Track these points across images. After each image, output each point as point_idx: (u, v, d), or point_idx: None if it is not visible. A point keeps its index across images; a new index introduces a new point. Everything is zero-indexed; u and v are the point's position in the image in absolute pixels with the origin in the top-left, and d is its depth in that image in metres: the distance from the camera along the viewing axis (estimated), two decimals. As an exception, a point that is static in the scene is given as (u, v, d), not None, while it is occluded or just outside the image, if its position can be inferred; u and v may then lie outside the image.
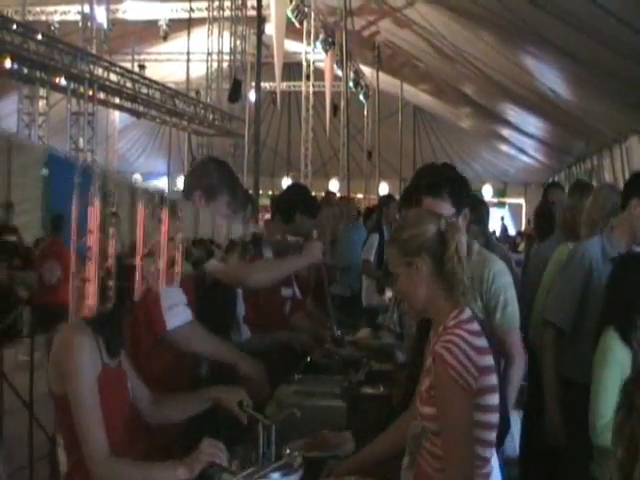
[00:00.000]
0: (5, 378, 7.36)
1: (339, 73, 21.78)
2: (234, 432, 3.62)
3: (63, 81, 17.74)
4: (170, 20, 22.72)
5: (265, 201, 16.70)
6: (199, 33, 22.61)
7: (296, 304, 6.00)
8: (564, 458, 4.78)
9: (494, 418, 2.95)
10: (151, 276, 4.76)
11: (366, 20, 20.23)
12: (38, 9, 22.84)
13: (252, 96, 19.11)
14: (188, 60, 22.93)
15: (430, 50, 18.90)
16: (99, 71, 17.43)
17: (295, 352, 5.54)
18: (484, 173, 33.69)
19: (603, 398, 3.88)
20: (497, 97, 21.33)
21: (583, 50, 11.73)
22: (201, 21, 22.51)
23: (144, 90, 19.51)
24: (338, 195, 15.45)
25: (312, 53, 22.86)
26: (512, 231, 30.51)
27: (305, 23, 19.99)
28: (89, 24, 20.20)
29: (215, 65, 23.12)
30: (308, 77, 24.37)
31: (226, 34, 21.96)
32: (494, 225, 27.64)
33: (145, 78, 20.57)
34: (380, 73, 24.12)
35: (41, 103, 22.24)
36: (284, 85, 25.78)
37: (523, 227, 30.43)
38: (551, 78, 15.54)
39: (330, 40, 21.39)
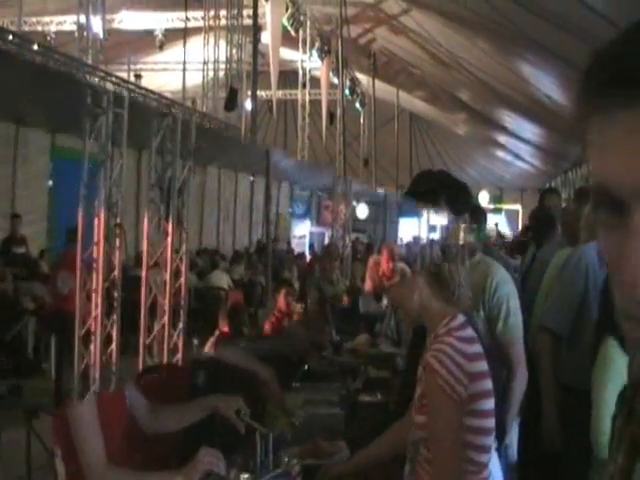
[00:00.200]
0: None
1: (335, 81, 21.90)
2: (232, 440, 3.63)
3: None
4: (166, 30, 22.83)
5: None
6: (195, 42, 22.72)
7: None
8: (563, 464, 4.85)
9: (489, 423, 2.99)
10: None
11: (362, 28, 20.34)
12: (34, 19, 22.95)
13: (248, 105, 19.20)
14: (184, 69, 23.03)
15: (426, 57, 19.02)
16: (95, 80, 17.52)
17: (292, 360, 5.60)
18: (480, 179, 33.79)
19: (606, 414, 3.91)
20: (493, 103, 21.45)
21: (577, 55, 11.87)
22: (197, 30, 22.63)
23: (140, 99, 19.61)
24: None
25: (308, 61, 22.99)
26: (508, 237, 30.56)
27: (301, 31, 20.09)
28: (85, 34, 20.28)
29: (211, 74, 23.22)
30: (304, 85, 24.46)
31: (222, 43, 22.08)
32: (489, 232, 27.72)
33: (141, 87, 20.64)
34: (376, 80, 24.25)
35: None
36: (280, 93, 25.86)
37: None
38: (546, 84, 15.67)
39: (326, 48, 21.50)
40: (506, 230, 31.54)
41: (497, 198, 34.98)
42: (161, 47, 23.53)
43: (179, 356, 8.97)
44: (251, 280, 16.21)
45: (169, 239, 8.91)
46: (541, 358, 4.95)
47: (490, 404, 2.95)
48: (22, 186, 15.68)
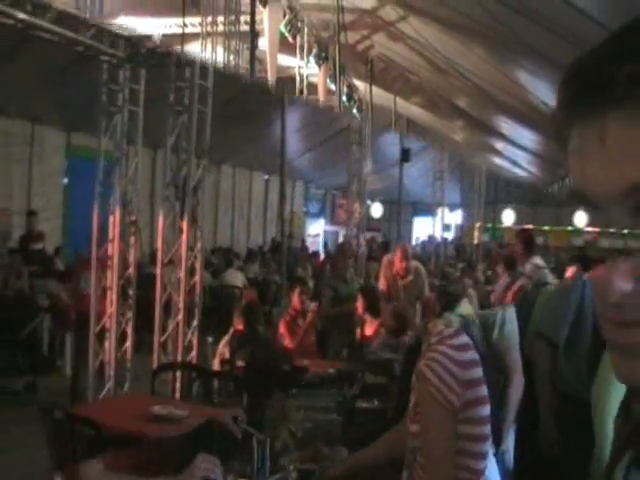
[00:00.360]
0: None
1: (332, 87, 21.82)
2: (229, 447, 3.62)
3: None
4: (163, 35, 22.91)
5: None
6: (193, 48, 22.79)
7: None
8: (560, 470, 4.86)
9: (485, 430, 2.98)
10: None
11: (359, 34, 20.24)
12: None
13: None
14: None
15: (423, 63, 18.91)
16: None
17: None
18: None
19: (610, 419, 3.91)
20: (490, 110, 21.35)
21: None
22: (194, 36, 22.65)
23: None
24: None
25: (305, 68, 22.90)
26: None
27: (298, 38, 20.01)
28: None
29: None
30: (302, 91, 24.39)
31: (219, 49, 22.04)
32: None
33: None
34: (373, 87, 24.10)
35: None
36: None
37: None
38: (542, 91, 15.60)
39: (323, 55, 21.43)
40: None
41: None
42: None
43: (193, 354, 8.99)
44: (265, 279, 16.22)
45: (184, 237, 8.93)
46: (538, 365, 4.97)
47: (486, 411, 2.95)
48: (38, 184, 15.76)
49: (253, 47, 11.48)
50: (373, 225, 26.00)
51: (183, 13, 8.19)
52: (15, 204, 15.39)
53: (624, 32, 0.95)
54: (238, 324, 8.31)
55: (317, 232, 28.85)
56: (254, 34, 11.35)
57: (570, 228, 29.76)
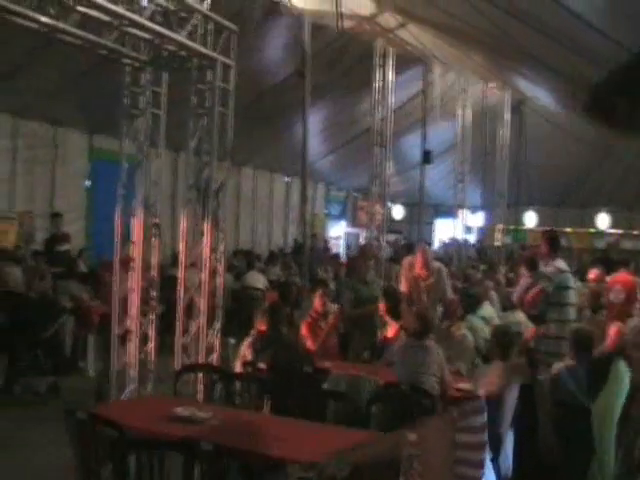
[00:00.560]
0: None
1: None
2: None
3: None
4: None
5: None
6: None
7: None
8: (559, 475, 4.84)
9: (482, 438, 2.97)
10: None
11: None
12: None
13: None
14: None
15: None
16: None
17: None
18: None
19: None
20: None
21: (571, 68, 11.67)
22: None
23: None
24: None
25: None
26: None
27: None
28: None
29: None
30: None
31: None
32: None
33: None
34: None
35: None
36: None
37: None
38: (541, 97, 15.57)
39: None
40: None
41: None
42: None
43: (215, 356, 9.01)
44: (287, 281, 16.22)
45: (206, 239, 8.95)
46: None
47: (482, 419, 2.94)
48: (60, 186, 15.85)
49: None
50: (394, 227, 25.96)
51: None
52: (38, 206, 15.49)
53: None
54: (260, 326, 8.33)
55: (338, 234, 28.82)
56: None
57: (592, 230, 29.61)
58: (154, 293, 9.49)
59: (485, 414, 2.93)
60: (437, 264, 10.77)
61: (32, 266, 12.75)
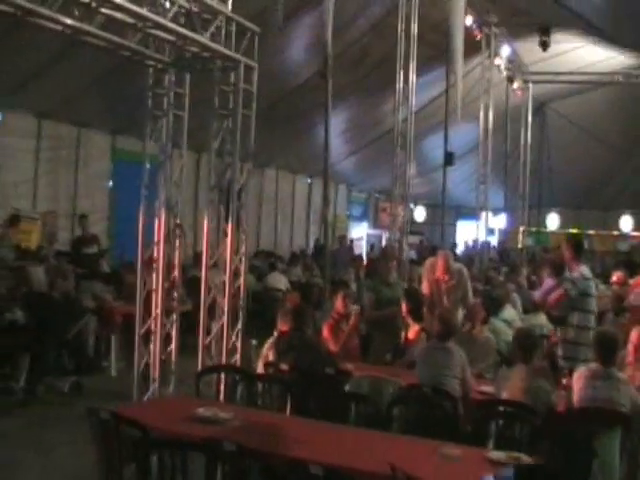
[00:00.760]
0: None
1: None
2: None
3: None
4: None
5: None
6: None
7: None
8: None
9: None
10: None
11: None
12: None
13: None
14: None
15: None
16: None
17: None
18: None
19: None
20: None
21: None
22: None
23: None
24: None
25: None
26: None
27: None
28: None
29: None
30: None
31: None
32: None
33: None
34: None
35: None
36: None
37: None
38: None
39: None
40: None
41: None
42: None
43: (237, 356, 9.02)
44: (308, 282, 16.25)
45: (228, 240, 8.97)
46: None
47: None
48: (83, 187, 15.95)
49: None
50: (416, 229, 25.93)
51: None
52: (61, 207, 15.59)
53: None
54: (282, 326, 8.33)
55: (360, 235, 28.81)
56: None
57: (615, 232, 29.45)
58: (176, 294, 9.52)
59: None
60: (457, 265, 10.74)
61: (55, 266, 12.82)
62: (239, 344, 9.05)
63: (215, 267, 9.19)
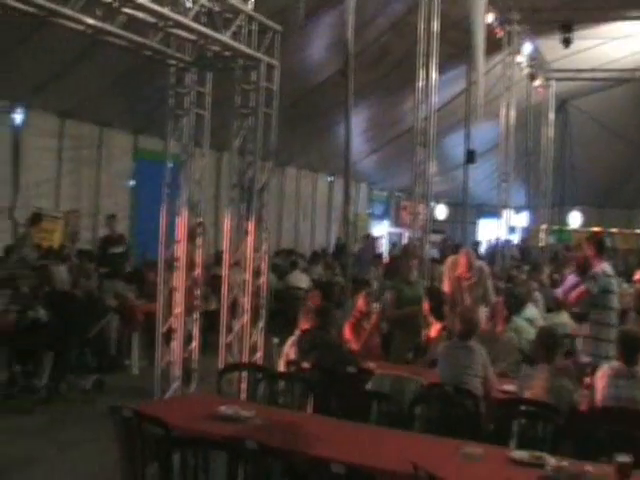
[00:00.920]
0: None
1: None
2: None
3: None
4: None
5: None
6: None
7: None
8: None
9: None
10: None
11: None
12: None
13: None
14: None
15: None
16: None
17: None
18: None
19: None
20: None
21: None
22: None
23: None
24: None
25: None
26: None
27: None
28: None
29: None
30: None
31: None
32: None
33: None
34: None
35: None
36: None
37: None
38: None
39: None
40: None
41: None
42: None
43: (259, 355, 9.03)
44: (329, 280, 16.25)
45: (250, 238, 8.97)
46: None
47: None
48: (106, 186, 16.02)
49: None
50: (437, 227, 25.86)
51: None
52: (83, 206, 15.67)
53: None
54: (304, 325, 8.33)
55: (381, 234, 28.76)
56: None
57: (638, 231, 29.23)
58: (198, 292, 9.54)
59: None
60: (478, 263, 10.71)
61: (77, 265, 12.89)
62: (261, 342, 9.06)
63: (237, 265, 9.20)
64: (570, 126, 28.10)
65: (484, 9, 15.96)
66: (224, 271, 9.22)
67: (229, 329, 9.08)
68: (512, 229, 24.42)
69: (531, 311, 10.62)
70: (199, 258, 9.53)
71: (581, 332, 9.07)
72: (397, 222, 29.70)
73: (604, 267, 8.68)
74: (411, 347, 9.61)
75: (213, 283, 11.01)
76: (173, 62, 9.05)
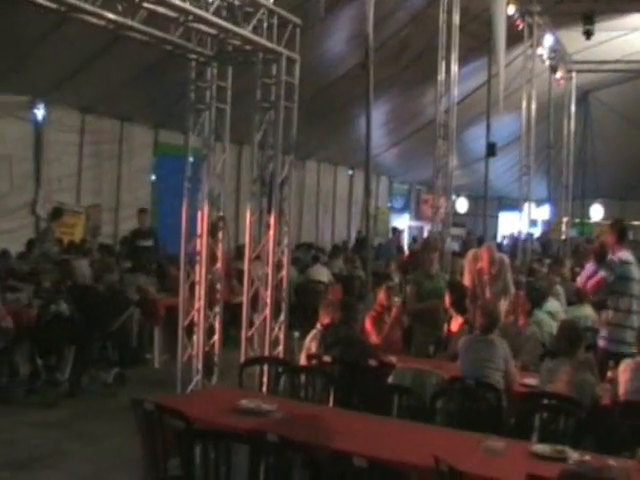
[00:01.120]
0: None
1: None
2: None
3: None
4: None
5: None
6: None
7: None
8: None
9: None
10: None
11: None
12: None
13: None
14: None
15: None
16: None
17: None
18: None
19: None
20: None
21: None
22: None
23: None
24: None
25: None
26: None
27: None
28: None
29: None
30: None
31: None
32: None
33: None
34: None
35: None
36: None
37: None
38: None
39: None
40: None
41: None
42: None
43: (280, 348, 9.04)
44: (350, 274, 16.24)
45: (271, 232, 8.98)
46: None
47: None
48: (126, 181, 16.10)
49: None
50: (458, 220, 25.80)
51: None
52: (104, 200, 15.75)
53: None
54: (324, 319, 8.33)
55: (402, 227, 28.74)
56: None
57: (661, 223, 29.03)
58: (219, 286, 9.56)
59: None
60: (499, 255, 10.68)
61: (99, 260, 12.96)
62: (282, 336, 9.07)
63: (257, 259, 9.21)
64: (591, 118, 27.94)
65: (505, 1, 15.90)
66: (245, 265, 9.23)
67: (250, 323, 9.10)
68: (533, 222, 24.34)
69: (553, 304, 10.58)
70: (220, 252, 9.55)
71: (602, 320, 9.01)
72: (418, 215, 29.66)
73: (622, 254, 8.62)
74: (432, 341, 9.59)
75: (239, 276, 10.98)
76: (194, 56, 9.05)
